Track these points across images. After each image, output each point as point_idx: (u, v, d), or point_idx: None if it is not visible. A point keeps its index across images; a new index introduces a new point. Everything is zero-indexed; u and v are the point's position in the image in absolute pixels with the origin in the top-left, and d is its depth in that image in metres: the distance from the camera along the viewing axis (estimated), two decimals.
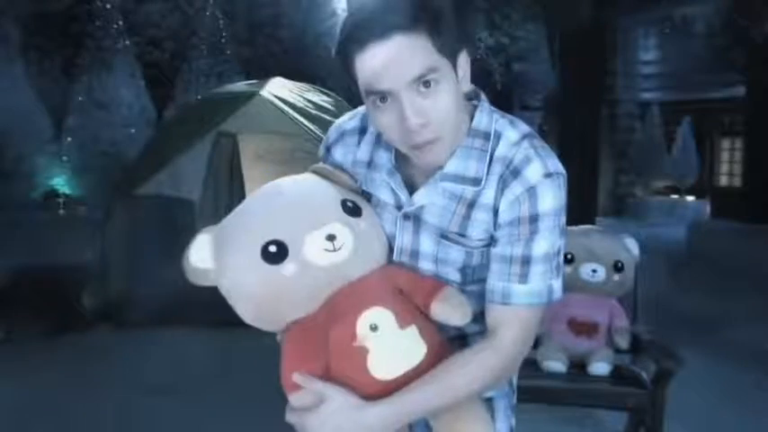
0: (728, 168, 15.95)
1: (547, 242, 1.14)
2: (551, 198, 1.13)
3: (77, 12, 9.58)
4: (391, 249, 1.23)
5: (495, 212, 1.15)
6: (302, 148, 5.70)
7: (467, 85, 1.16)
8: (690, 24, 13.49)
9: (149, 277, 5.03)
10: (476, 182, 1.15)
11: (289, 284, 1.10)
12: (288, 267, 1.09)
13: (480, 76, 14.19)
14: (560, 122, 11.67)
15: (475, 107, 1.20)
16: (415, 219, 1.20)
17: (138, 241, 5.11)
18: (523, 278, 1.14)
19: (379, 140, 1.23)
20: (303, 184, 1.23)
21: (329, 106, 5.56)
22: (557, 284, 1.17)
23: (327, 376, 1.10)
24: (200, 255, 1.16)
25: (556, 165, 1.16)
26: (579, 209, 8.81)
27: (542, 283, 1.15)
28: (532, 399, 2.51)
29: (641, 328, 2.94)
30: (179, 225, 5.13)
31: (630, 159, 16.55)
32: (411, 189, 1.20)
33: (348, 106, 6.21)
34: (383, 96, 1.07)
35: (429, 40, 1.04)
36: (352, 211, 1.16)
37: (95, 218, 6.88)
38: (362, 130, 1.29)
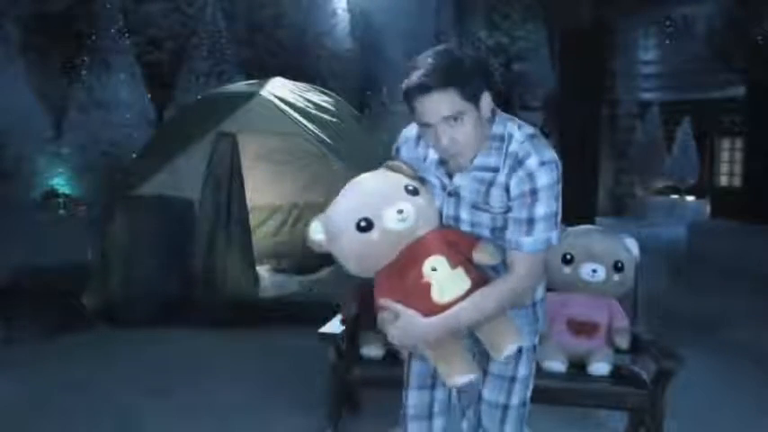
0: (728, 168, 15.93)
1: (544, 207, 1.68)
2: (545, 179, 1.68)
3: (77, 12, 9.56)
4: (441, 217, 1.79)
5: (507, 189, 1.70)
6: (302, 148, 5.71)
7: (488, 113, 1.70)
8: (690, 24, 13.49)
9: (149, 277, 5.04)
10: (495, 170, 1.71)
11: (376, 245, 1.67)
12: (374, 234, 1.66)
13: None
14: (560, 122, 11.68)
15: (494, 118, 1.73)
16: (456, 195, 1.78)
17: (138, 241, 5.11)
18: (529, 232, 1.69)
19: (428, 144, 1.78)
20: (377, 177, 1.78)
21: (329, 106, 5.56)
22: (554, 235, 1.71)
23: (403, 302, 1.67)
24: (317, 231, 1.74)
25: (549, 156, 1.69)
26: (579, 209, 8.82)
27: (543, 235, 1.69)
28: (532, 399, 2.51)
29: (641, 328, 2.94)
30: (179, 225, 5.13)
31: (630, 159, 16.54)
32: (450, 176, 1.78)
33: (348, 106, 6.21)
34: (427, 124, 1.66)
35: (457, 94, 1.62)
36: (413, 192, 1.71)
37: (95, 218, 6.88)
38: (419, 137, 1.84)
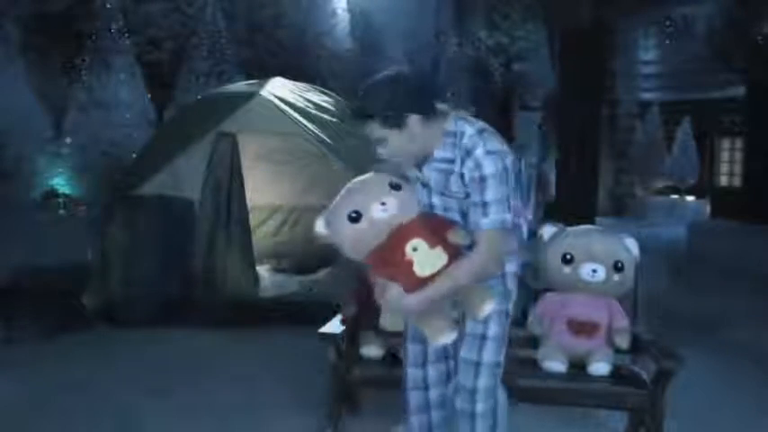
0: (728, 168, 15.92)
1: (493, 191, 1.99)
2: (491, 167, 1.99)
3: (77, 12, 9.56)
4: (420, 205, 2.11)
5: (462, 177, 2.03)
6: (302, 148, 5.71)
7: (418, 130, 2.02)
8: (690, 24, 13.49)
9: (149, 277, 5.04)
10: (452, 161, 2.05)
11: (365, 232, 2.04)
12: (363, 223, 2.03)
13: (480, 76, 14.20)
14: (560, 122, 11.69)
15: (446, 118, 2.07)
16: (426, 185, 2.14)
17: (138, 241, 5.11)
18: (485, 214, 2.01)
19: None
20: (367, 177, 2.15)
21: (329, 106, 5.56)
22: (508, 217, 2.02)
23: (391, 278, 2.04)
24: (320, 226, 2.13)
25: (495, 147, 2.02)
26: (579, 209, 8.84)
27: (497, 216, 2.00)
28: (532, 399, 2.51)
29: (641, 328, 2.94)
30: (179, 225, 5.13)
31: (630, 159, 16.54)
32: (420, 170, 2.12)
33: (348, 106, 6.21)
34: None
35: (378, 125, 2.02)
36: (395, 187, 2.06)
37: (95, 218, 6.87)
38: None
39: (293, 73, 6.86)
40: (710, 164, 16.56)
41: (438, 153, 2.06)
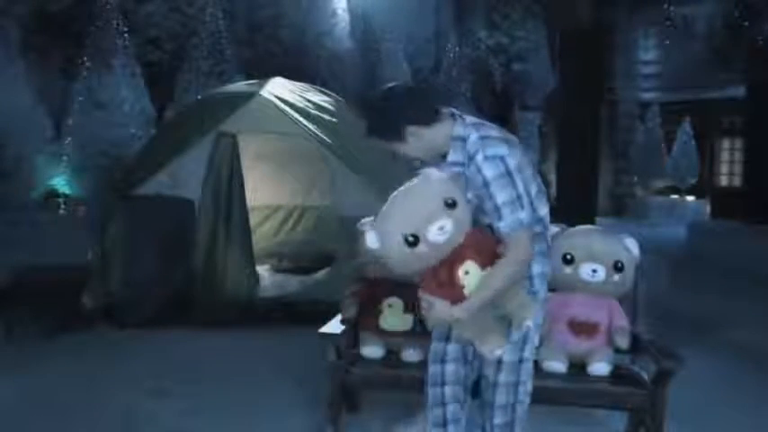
0: (728, 168, 15.93)
1: (501, 194, 2.03)
2: (490, 171, 2.04)
3: (77, 12, 9.57)
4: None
5: (468, 182, 2.10)
6: (302, 148, 5.71)
7: (427, 136, 2.13)
8: (690, 24, 13.49)
9: (149, 277, 5.04)
10: (462, 164, 2.11)
11: (423, 256, 2.04)
12: (421, 248, 2.01)
13: (480, 77, 14.20)
14: (560, 122, 11.68)
15: (455, 122, 2.14)
16: None
17: (138, 241, 5.10)
18: (500, 218, 2.05)
19: None
20: (420, 190, 2.08)
21: (329, 106, 5.55)
22: (524, 215, 2.04)
23: (441, 297, 2.06)
24: (372, 241, 2.06)
25: (494, 150, 2.06)
26: (579, 209, 8.83)
27: (511, 216, 2.03)
28: (532, 399, 2.51)
29: (641, 328, 2.94)
30: (179, 225, 5.13)
31: (630, 159, 16.54)
32: None
33: (348, 106, 6.21)
34: None
35: (382, 140, 2.16)
36: (451, 205, 2.02)
37: (95, 218, 6.87)
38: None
39: (293, 73, 6.86)
40: (710, 164, 16.56)
41: (450, 157, 2.14)
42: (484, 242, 2.11)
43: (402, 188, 2.14)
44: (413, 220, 2.03)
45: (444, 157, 2.16)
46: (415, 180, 2.14)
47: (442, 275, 2.07)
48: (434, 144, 2.14)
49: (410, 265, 2.10)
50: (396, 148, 2.16)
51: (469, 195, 2.09)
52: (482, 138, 2.09)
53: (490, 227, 2.10)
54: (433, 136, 2.13)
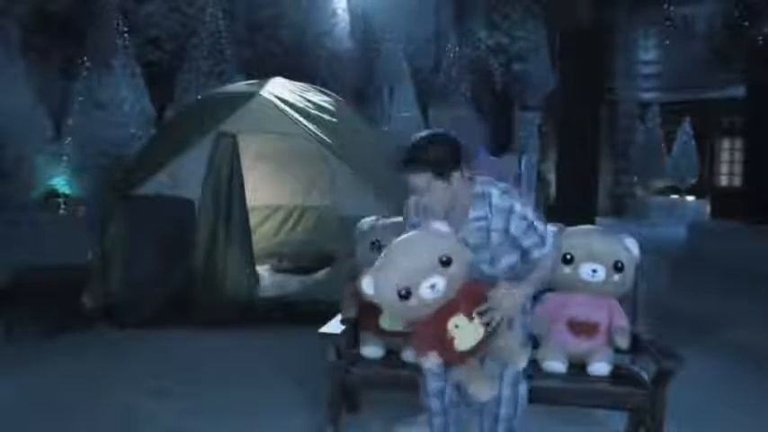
0: (728, 168, 15.92)
1: (542, 227, 2.43)
2: (530, 213, 2.40)
3: (77, 12, 9.57)
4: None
5: (504, 230, 2.40)
6: (302, 148, 5.71)
7: (459, 188, 2.35)
8: (690, 24, 13.49)
9: (149, 277, 5.04)
10: (486, 218, 2.40)
11: (414, 309, 2.21)
12: (413, 301, 2.18)
13: (480, 77, 14.19)
14: (560, 122, 11.66)
15: (473, 183, 2.41)
16: (465, 241, 2.40)
17: (138, 241, 5.10)
18: (545, 244, 2.45)
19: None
20: (418, 246, 2.26)
21: (329, 106, 5.56)
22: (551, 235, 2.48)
23: (432, 349, 2.25)
24: (367, 287, 2.23)
25: (519, 199, 2.42)
26: (579, 209, 8.82)
27: (551, 240, 2.48)
28: (532, 399, 2.51)
29: (641, 328, 2.94)
30: (179, 225, 5.13)
31: (630, 159, 16.53)
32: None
33: (348, 106, 6.22)
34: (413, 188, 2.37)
35: (431, 175, 2.29)
36: (446, 263, 2.18)
37: (95, 218, 6.86)
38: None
39: (293, 73, 6.86)
40: (710, 164, 16.56)
41: (472, 214, 2.39)
42: (476, 294, 2.26)
43: (403, 238, 2.31)
44: (407, 274, 2.17)
45: (449, 212, 2.38)
46: (416, 233, 2.32)
47: (432, 328, 2.22)
48: (457, 197, 2.36)
49: (401, 315, 2.28)
50: (429, 188, 2.30)
51: (497, 242, 2.40)
52: (504, 192, 2.40)
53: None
54: (461, 191, 2.36)
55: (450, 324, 2.20)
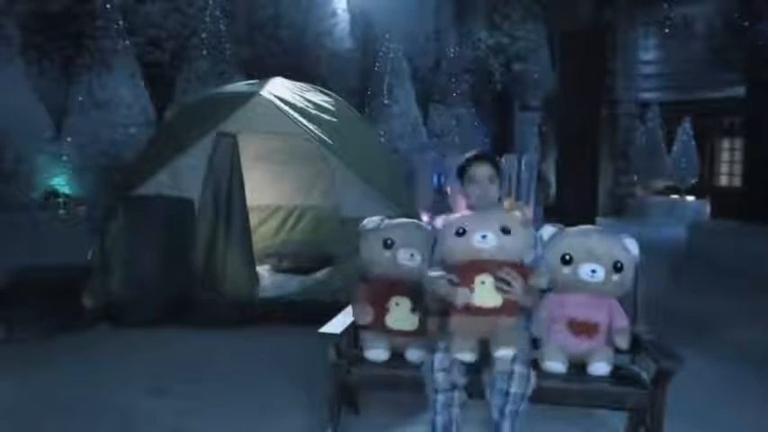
0: (728, 168, 15.93)
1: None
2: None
3: (77, 12, 9.56)
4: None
5: None
6: (302, 148, 5.71)
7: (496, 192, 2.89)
8: (690, 24, 13.49)
9: (149, 277, 5.04)
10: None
11: (459, 247, 2.62)
12: (461, 240, 2.62)
13: (480, 77, 14.19)
14: (560, 122, 11.68)
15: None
16: None
17: (138, 241, 5.11)
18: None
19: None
20: (495, 207, 2.80)
21: (329, 106, 5.55)
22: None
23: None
24: (438, 222, 2.84)
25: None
26: (579, 209, 8.83)
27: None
28: (532, 399, 2.51)
29: (641, 328, 2.94)
30: (179, 225, 5.13)
31: (630, 159, 16.53)
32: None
33: (348, 106, 6.21)
34: (476, 181, 2.87)
35: (494, 169, 2.87)
36: (505, 231, 2.59)
37: (95, 218, 6.86)
38: None
39: (293, 73, 6.86)
40: (710, 164, 16.56)
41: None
42: (512, 268, 2.57)
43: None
44: (472, 220, 2.69)
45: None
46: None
47: (463, 273, 2.53)
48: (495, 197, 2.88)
49: (446, 251, 2.68)
50: (485, 179, 2.82)
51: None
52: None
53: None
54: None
55: (478, 279, 2.51)
